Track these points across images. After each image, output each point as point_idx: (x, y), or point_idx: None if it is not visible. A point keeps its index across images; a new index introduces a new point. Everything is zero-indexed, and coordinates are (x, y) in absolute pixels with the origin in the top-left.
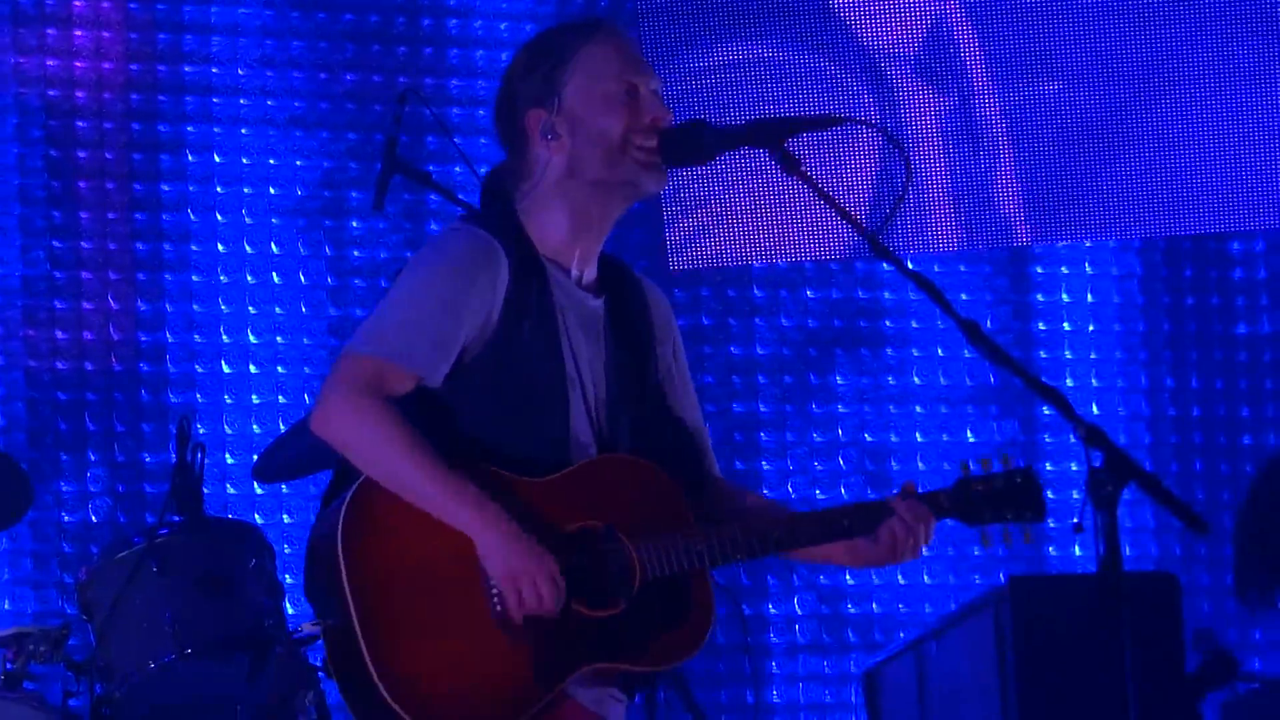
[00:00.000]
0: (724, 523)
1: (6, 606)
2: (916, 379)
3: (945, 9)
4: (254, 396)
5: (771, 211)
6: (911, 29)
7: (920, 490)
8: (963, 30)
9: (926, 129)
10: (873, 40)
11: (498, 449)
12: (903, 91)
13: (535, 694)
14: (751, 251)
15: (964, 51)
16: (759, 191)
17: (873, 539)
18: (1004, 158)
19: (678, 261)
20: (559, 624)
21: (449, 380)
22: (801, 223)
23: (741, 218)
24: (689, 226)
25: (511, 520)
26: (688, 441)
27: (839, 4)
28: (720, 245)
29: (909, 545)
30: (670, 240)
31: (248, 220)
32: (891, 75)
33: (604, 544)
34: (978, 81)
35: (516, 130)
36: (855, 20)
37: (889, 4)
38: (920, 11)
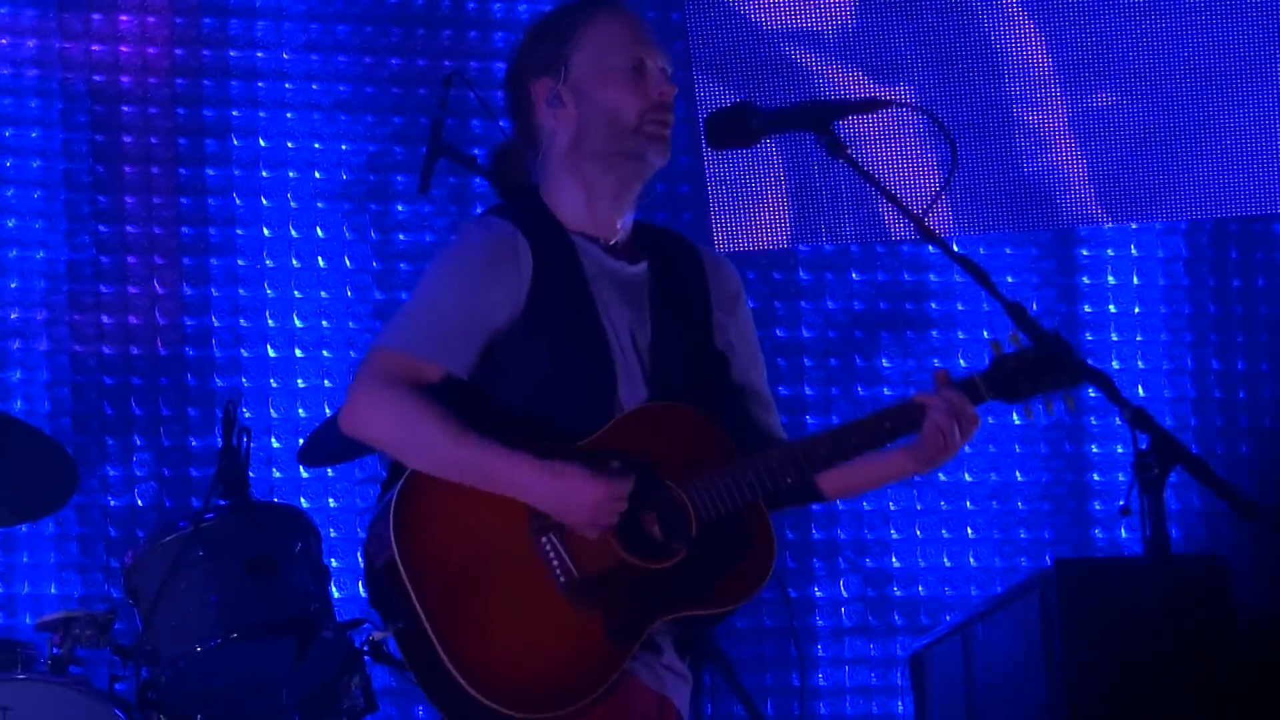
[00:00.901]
0: (768, 450)
1: (53, 591)
2: (962, 361)
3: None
4: (299, 380)
5: (817, 193)
6: (965, 18)
7: (954, 378)
8: (1015, 19)
9: (972, 112)
10: (923, 20)
11: (545, 421)
12: (949, 75)
13: (614, 656)
14: (797, 233)
15: (1014, 38)
16: (805, 173)
17: (919, 443)
18: (1051, 141)
19: (723, 242)
20: (624, 582)
21: (485, 364)
22: (847, 205)
23: (787, 200)
24: (734, 208)
25: (559, 463)
26: (748, 405)
27: None
28: (765, 227)
29: (954, 433)
30: (715, 222)
31: (293, 204)
32: (938, 60)
33: (655, 493)
34: (1028, 68)
35: (522, 100)
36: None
37: None
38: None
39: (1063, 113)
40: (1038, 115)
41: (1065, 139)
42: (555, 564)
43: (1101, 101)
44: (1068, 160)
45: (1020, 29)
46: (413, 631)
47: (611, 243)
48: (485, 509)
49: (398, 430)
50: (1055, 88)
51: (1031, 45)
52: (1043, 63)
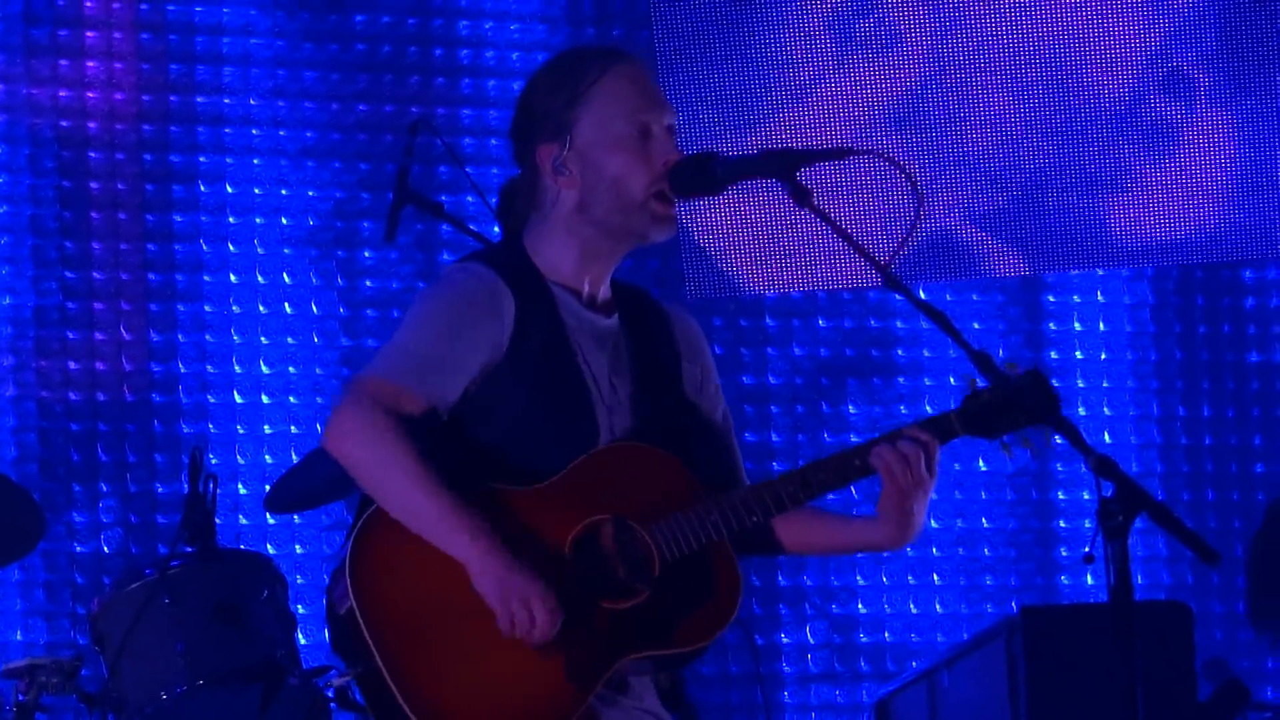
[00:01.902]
0: (734, 490)
1: (19, 637)
2: (929, 408)
3: (959, 44)
4: (266, 427)
5: (787, 241)
6: (924, 61)
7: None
8: (975, 62)
9: (938, 158)
10: (886, 68)
11: (525, 466)
12: (915, 120)
13: (575, 698)
14: (767, 280)
15: (976, 82)
16: (775, 221)
17: (881, 503)
18: (1016, 186)
19: (695, 290)
20: (586, 623)
21: (465, 406)
22: (816, 251)
23: (758, 247)
24: (707, 256)
25: (503, 550)
26: (721, 453)
27: (855, 29)
28: (738, 274)
29: (908, 476)
30: (688, 270)
31: (260, 251)
32: (903, 105)
33: (617, 534)
34: (990, 110)
35: (527, 159)
36: (869, 51)
37: (904, 34)
38: (934, 45)
39: (1027, 159)
40: (1003, 162)
41: (1030, 185)
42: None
43: (1066, 149)
44: (1033, 207)
45: (985, 77)
46: (372, 676)
47: (587, 296)
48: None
49: (370, 462)
50: (1020, 135)
51: (996, 93)
52: (1007, 111)
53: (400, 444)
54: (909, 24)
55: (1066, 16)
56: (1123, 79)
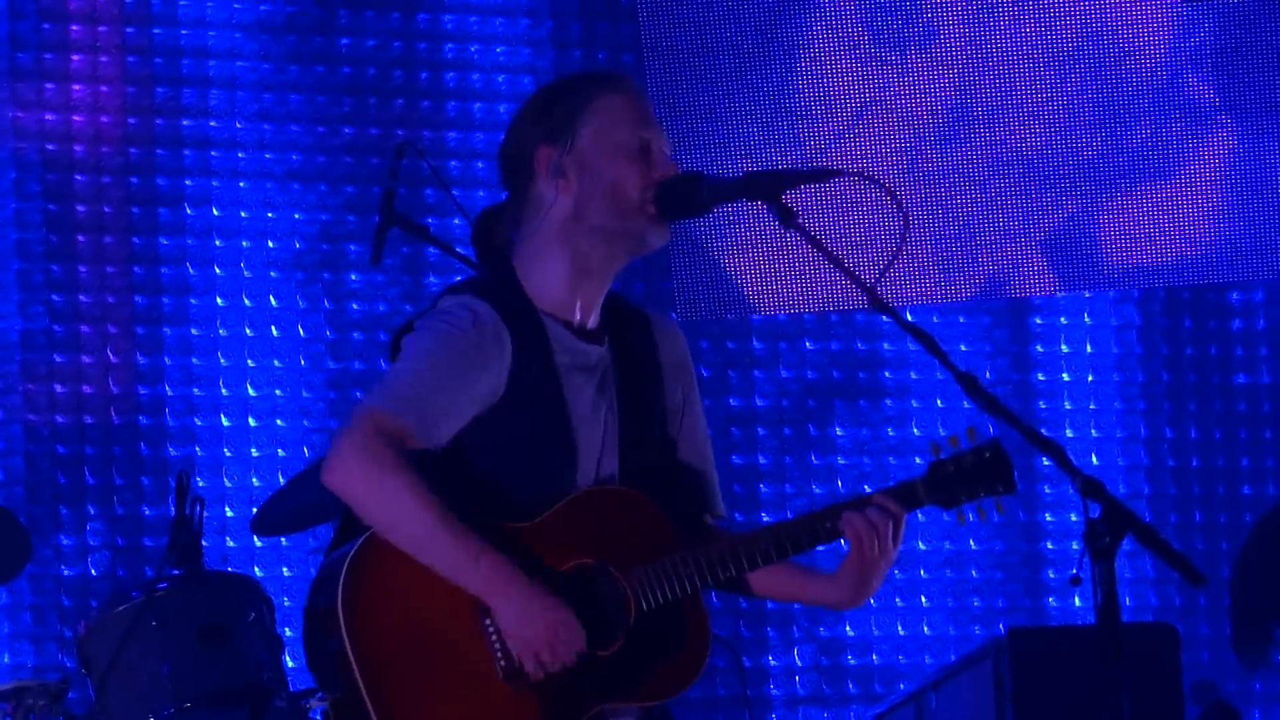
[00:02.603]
0: (711, 544)
1: (6, 660)
2: (916, 430)
3: (949, 63)
4: (253, 449)
5: (774, 263)
6: (914, 81)
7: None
8: (964, 81)
9: (924, 180)
10: (873, 87)
11: (507, 504)
12: (901, 140)
13: None
14: (758, 302)
15: (964, 103)
16: (761, 243)
17: (833, 579)
18: (1003, 208)
19: (685, 313)
20: (564, 670)
21: (457, 441)
22: (803, 274)
23: (745, 270)
24: (694, 279)
25: (527, 580)
26: (688, 484)
27: (842, 49)
28: (725, 297)
29: (874, 547)
30: (676, 292)
31: (246, 273)
32: (891, 127)
33: (598, 579)
34: (978, 132)
35: (522, 167)
36: (858, 73)
37: (897, 59)
38: (925, 64)
39: (1015, 180)
40: (989, 184)
41: (1018, 206)
42: (497, 647)
43: (1052, 169)
44: (1021, 228)
45: (974, 96)
46: (350, 701)
47: (578, 325)
48: (436, 586)
49: (379, 499)
50: (1006, 156)
51: (983, 114)
52: (994, 132)
53: (412, 483)
54: (897, 43)
55: (1056, 39)
56: (1111, 103)
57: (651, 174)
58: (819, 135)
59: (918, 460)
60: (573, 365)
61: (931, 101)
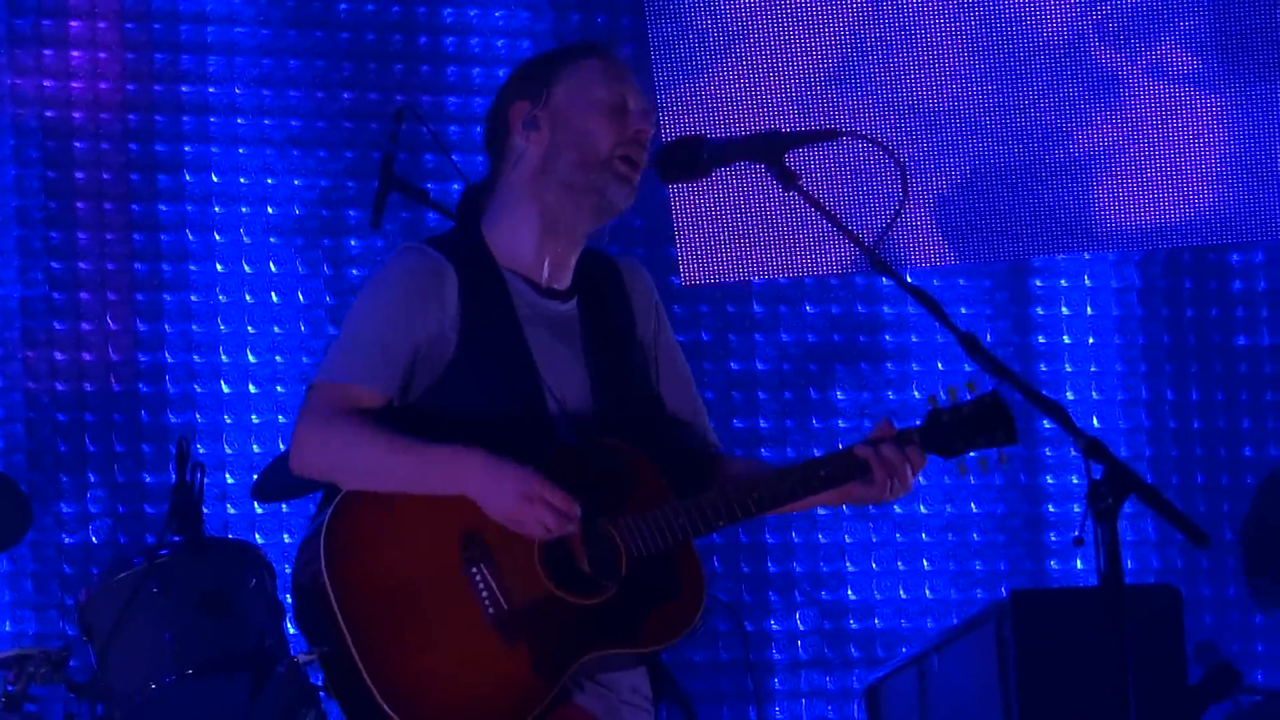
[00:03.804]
0: (703, 492)
1: (7, 628)
2: (916, 393)
3: (945, 26)
4: (253, 416)
5: (774, 227)
6: (912, 47)
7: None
8: (962, 47)
9: (924, 142)
10: (878, 53)
11: None
12: (901, 105)
13: (539, 690)
14: (754, 267)
15: (964, 66)
16: (761, 207)
17: (868, 480)
18: (1003, 170)
19: (690, 277)
20: (553, 617)
21: (422, 398)
22: (803, 237)
23: (745, 233)
24: (700, 243)
25: (494, 455)
26: (678, 427)
27: (842, 20)
28: (725, 261)
29: (891, 490)
30: (681, 257)
31: (246, 240)
32: (891, 90)
33: (587, 530)
34: (976, 95)
35: (499, 125)
36: (859, 36)
37: (893, 21)
38: (921, 32)
39: (1016, 141)
40: (989, 146)
41: (1019, 168)
42: (485, 595)
43: (1052, 131)
44: (1021, 190)
45: (972, 61)
46: (339, 656)
47: (545, 283)
48: (417, 537)
49: (339, 453)
50: (1006, 119)
51: (982, 77)
52: (994, 95)
53: (352, 423)
54: (897, 10)
55: (1055, 3)
56: (1110, 63)
57: (624, 132)
58: (820, 99)
59: (919, 424)
60: (534, 318)
61: (935, 66)
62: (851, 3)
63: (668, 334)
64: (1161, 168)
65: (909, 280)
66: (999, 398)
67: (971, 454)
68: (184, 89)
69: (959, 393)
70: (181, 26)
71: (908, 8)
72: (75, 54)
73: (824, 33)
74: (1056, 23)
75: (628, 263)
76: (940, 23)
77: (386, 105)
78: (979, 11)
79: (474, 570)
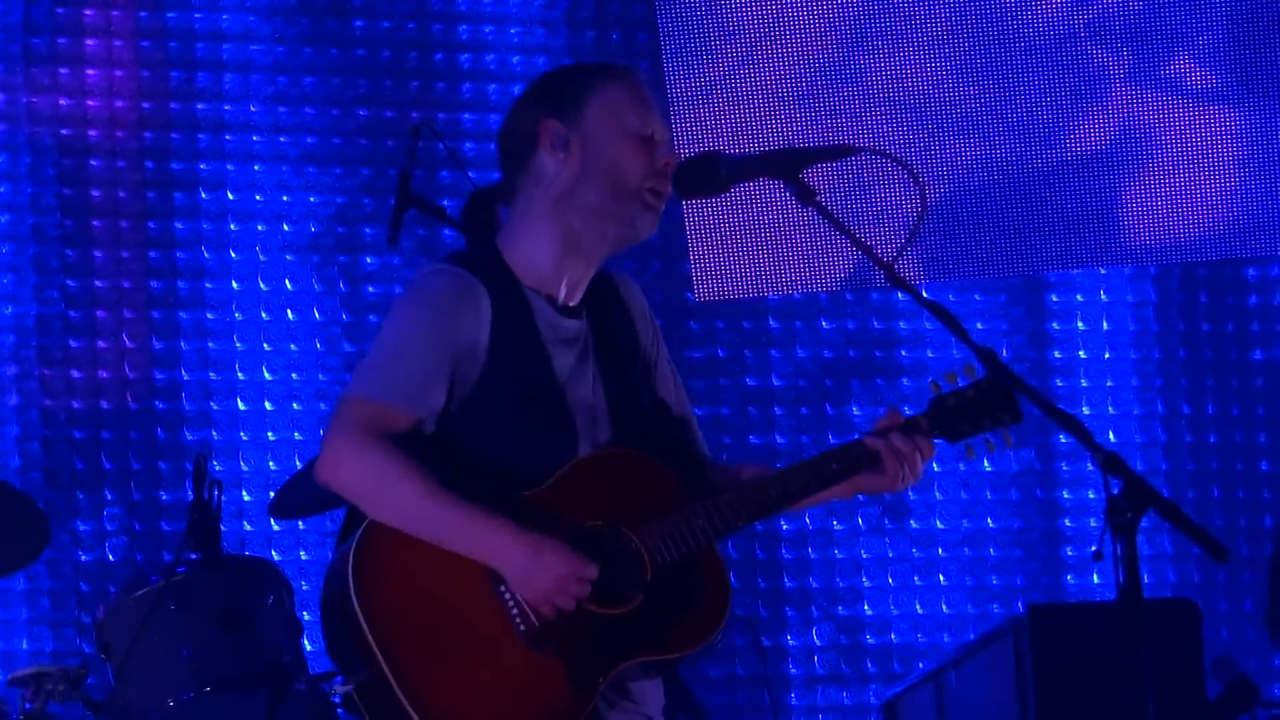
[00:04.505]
0: (719, 496)
1: (24, 646)
2: None
3: (962, 43)
4: (270, 433)
5: (789, 243)
6: (926, 60)
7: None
8: (981, 61)
9: (940, 157)
10: (892, 69)
11: (509, 476)
12: (918, 120)
13: (576, 703)
14: (774, 282)
15: (980, 83)
16: (777, 222)
17: (879, 470)
18: (1018, 185)
19: (703, 293)
20: (584, 630)
21: (450, 418)
22: (818, 253)
23: (761, 249)
24: (714, 259)
25: (529, 534)
26: (678, 432)
27: (858, 38)
28: (745, 277)
29: (904, 479)
30: (695, 273)
31: (262, 257)
32: (908, 105)
33: (610, 541)
34: (994, 109)
35: (525, 140)
36: (874, 51)
37: (912, 33)
38: (939, 45)
39: (1032, 156)
40: (1006, 161)
41: (1035, 183)
42: (515, 612)
43: (1068, 146)
44: (1037, 205)
45: (989, 75)
46: (374, 682)
47: (561, 301)
48: (444, 559)
49: (371, 482)
50: (1025, 133)
51: (1000, 92)
52: (1011, 110)
53: (394, 460)
54: (915, 23)
55: (1071, 15)
56: (1126, 78)
57: (654, 164)
58: (835, 115)
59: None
60: (554, 339)
61: (950, 79)
62: (868, 21)
63: (662, 344)
64: (1177, 182)
65: (924, 295)
66: (996, 380)
67: (978, 436)
68: (200, 106)
69: (959, 377)
70: (197, 44)
71: (923, 28)
72: (91, 72)
73: (839, 50)
74: (1072, 40)
75: (621, 276)
76: (955, 42)
77: (402, 122)
78: (992, 31)
79: (502, 589)
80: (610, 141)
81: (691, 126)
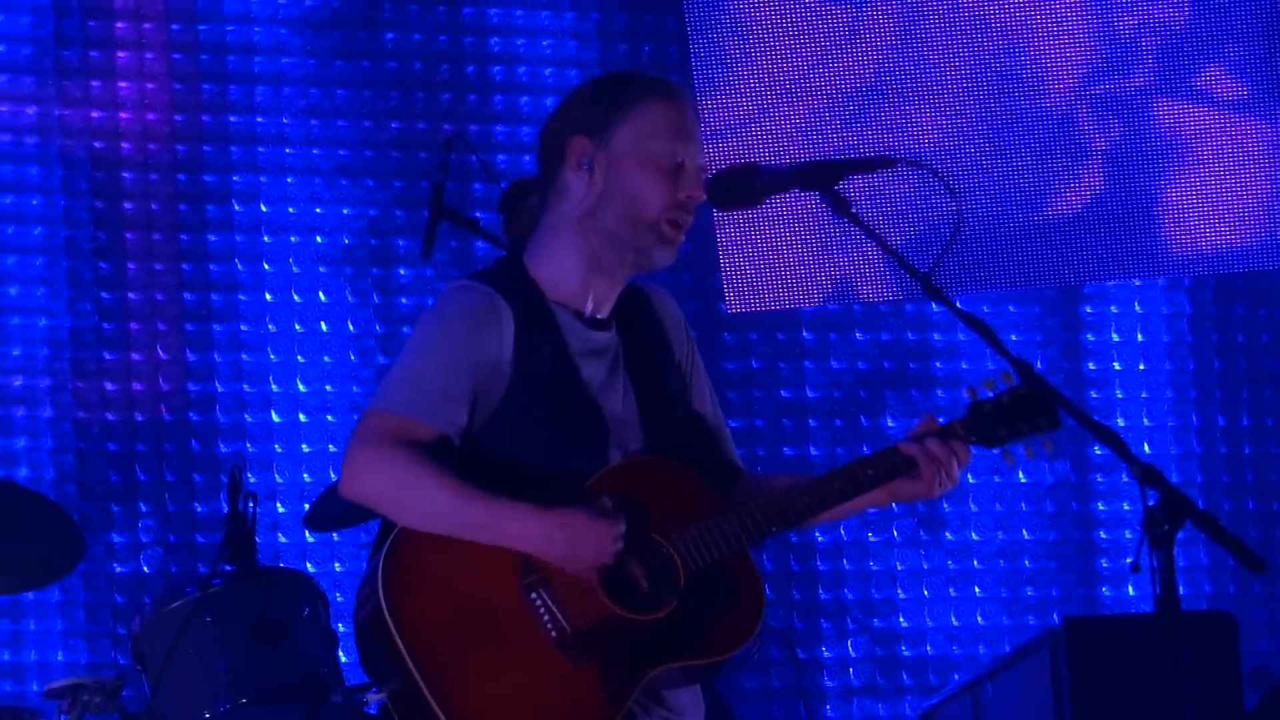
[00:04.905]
0: (752, 501)
1: (60, 658)
2: None
3: (1000, 58)
4: (304, 445)
5: (823, 254)
6: (965, 74)
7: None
8: (1016, 75)
9: (975, 168)
10: (929, 80)
11: (540, 489)
12: (955, 131)
13: (609, 710)
14: (807, 293)
15: (1015, 95)
16: (810, 234)
17: (915, 476)
18: (1055, 196)
19: (736, 304)
20: (616, 634)
21: (478, 434)
22: (852, 265)
23: (795, 260)
24: (748, 270)
25: (561, 509)
26: (711, 444)
27: (894, 51)
28: (779, 288)
29: (940, 486)
30: (727, 284)
31: (295, 269)
32: (942, 117)
33: (642, 547)
34: (1029, 123)
35: (555, 150)
36: (909, 61)
37: (945, 43)
38: (969, 61)
39: (1066, 168)
40: (1040, 174)
41: (1070, 194)
42: (547, 619)
43: (1103, 158)
44: (1072, 216)
45: (1024, 90)
46: (407, 691)
47: (588, 314)
48: (473, 566)
49: (394, 488)
50: (1058, 147)
51: (1034, 107)
52: (1046, 124)
53: (421, 466)
54: (949, 40)
55: (1102, 28)
56: (1161, 90)
57: (677, 193)
58: (868, 124)
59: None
60: (582, 351)
61: (984, 90)
62: (904, 32)
63: (698, 357)
64: (1212, 194)
65: (959, 306)
66: (1035, 388)
67: (1016, 442)
68: (232, 119)
69: (996, 383)
70: (229, 57)
71: (959, 38)
72: (123, 85)
73: (875, 62)
74: (1108, 52)
75: (654, 288)
76: (990, 54)
77: (434, 134)
78: (1028, 45)
79: (534, 595)
80: (633, 168)
81: (723, 138)
